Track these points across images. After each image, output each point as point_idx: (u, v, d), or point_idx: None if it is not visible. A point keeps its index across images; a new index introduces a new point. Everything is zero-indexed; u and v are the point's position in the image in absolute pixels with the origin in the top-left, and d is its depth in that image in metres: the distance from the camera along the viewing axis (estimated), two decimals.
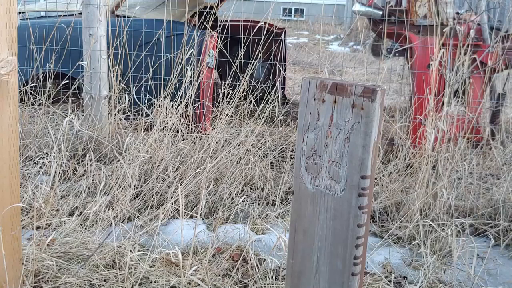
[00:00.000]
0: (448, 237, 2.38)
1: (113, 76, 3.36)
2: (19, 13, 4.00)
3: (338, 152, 1.03)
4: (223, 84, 3.62)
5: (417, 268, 2.28)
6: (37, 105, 3.55)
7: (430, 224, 2.47)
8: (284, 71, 5.06)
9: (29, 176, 2.87)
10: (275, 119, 3.57)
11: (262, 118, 3.29)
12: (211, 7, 4.65)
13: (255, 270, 2.11)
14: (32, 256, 2.01)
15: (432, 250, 2.38)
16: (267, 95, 3.62)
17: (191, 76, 3.31)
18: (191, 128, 3.42)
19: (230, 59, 3.79)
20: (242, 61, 3.66)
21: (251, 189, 2.96)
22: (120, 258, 2.12)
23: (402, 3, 3.99)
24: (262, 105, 3.43)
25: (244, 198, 2.80)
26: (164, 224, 2.52)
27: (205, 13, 4.56)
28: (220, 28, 3.71)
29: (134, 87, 3.54)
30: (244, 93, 3.47)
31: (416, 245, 2.43)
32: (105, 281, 2.00)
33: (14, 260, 1.74)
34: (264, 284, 2.03)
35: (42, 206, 2.49)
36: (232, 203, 2.76)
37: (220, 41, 3.70)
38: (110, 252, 2.15)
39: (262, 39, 3.67)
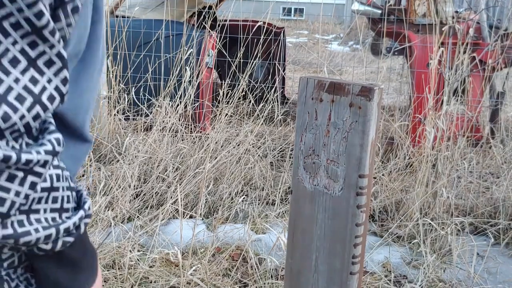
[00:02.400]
0: (448, 236, 2.38)
1: (113, 77, 3.36)
2: None
3: (336, 151, 1.03)
4: (222, 84, 3.62)
5: (417, 267, 2.28)
6: None
7: (430, 223, 2.47)
8: (284, 71, 5.06)
9: None
10: (274, 118, 3.57)
11: (262, 117, 3.29)
12: (210, 7, 4.65)
13: (255, 269, 2.11)
14: None
15: (432, 249, 2.38)
16: (267, 95, 3.62)
17: (190, 76, 3.31)
18: (191, 128, 3.42)
19: (229, 59, 3.79)
20: (242, 61, 3.66)
21: (250, 188, 2.96)
22: (120, 258, 2.12)
23: (401, 2, 3.99)
24: (261, 104, 3.43)
25: (244, 197, 2.80)
26: (163, 224, 2.52)
27: (204, 13, 4.56)
28: (219, 28, 3.71)
29: (134, 87, 3.54)
30: (244, 93, 3.47)
31: (416, 244, 2.43)
32: (105, 281, 2.00)
33: None
34: (264, 283, 2.04)
35: None
36: (231, 202, 2.76)
37: (219, 41, 3.70)
38: (110, 252, 2.15)
39: (261, 39, 3.67)
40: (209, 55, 3.60)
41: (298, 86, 1.08)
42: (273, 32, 4.47)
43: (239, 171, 2.93)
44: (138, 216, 2.55)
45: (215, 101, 3.88)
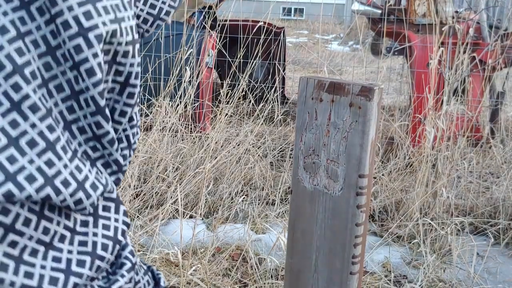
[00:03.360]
0: (448, 235, 2.38)
1: None
2: None
3: (336, 151, 1.03)
4: (222, 84, 3.62)
5: (417, 267, 2.28)
6: None
7: (430, 223, 2.47)
8: (284, 71, 5.06)
9: None
10: (274, 118, 3.57)
11: (262, 117, 3.29)
12: (210, 7, 4.65)
13: (255, 269, 2.11)
14: None
15: (432, 249, 2.38)
16: (267, 95, 3.62)
17: (190, 76, 3.31)
18: (191, 128, 3.42)
19: (229, 59, 3.79)
20: (242, 61, 3.66)
21: (250, 188, 2.96)
22: None
23: (401, 2, 3.99)
24: (261, 104, 3.43)
25: (244, 197, 2.80)
26: (163, 224, 2.52)
27: (204, 13, 4.56)
28: (219, 28, 3.71)
29: None
30: (244, 93, 3.47)
31: (416, 244, 2.43)
32: None
33: None
34: (264, 283, 2.04)
35: None
36: (231, 202, 2.76)
37: (219, 41, 3.70)
38: None
39: (261, 39, 3.67)
40: (209, 55, 3.60)
41: (298, 86, 1.08)
42: (273, 32, 4.47)
43: (239, 171, 2.93)
44: (138, 216, 2.56)
45: (215, 101, 3.88)
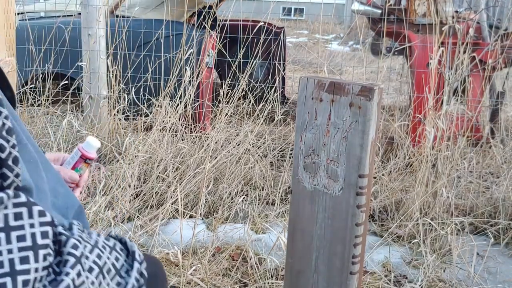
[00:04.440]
0: (448, 235, 2.38)
1: (112, 76, 3.36)
2: (18, 13, 4.00)
3: (336, 151, 1.03)
4: (222, 84, 3.62)
5: (417, 267, 2.28)
6: (37, 106, 3.55)
7: (430, 223, 2.47)
8: (284, 71, 5.06)
9: None
10: (274, 118, 3.57)
11: (262, 117, 3.29)
12: (210, 7, 4.65)
13: (255, 269, 2.11)
14: None
15: (432, 249, 2.38)
16: (267, 95, 3.62)
17: (190, 76, 3.31)
18: (191, 128, 3.42)
19: (229, 59, 3.79)
20: (242, 61, 3.66)
21: (250, 188, 2.96)
22: None
23: (401, 1, 3.99)
24: (261, 104, 3.43)
25: (244, 197, 2.80)
26: (163, 224, 2.52)
27: (204, 13, 4.56)
28: (219, 28, 3.71)
29: (134, 87, 3.54)
30: (244, 93, 3.47)
31: (416, 244, 2.43)
32: None
33: None
34: (264, 283, 2.03)
35: None
36: (231, 202, 2.76)
37: (219, 41, 3.70)
38: None
39: (261, 39, 3.67)
40: (209, 55, 3.60)
41: (298, 86, 1.08)
42: (273, 32, 4.47)
43: (239, 171, 2.93)
44: (138, 216, 2.55)
45: (215, 101, 3.88)
